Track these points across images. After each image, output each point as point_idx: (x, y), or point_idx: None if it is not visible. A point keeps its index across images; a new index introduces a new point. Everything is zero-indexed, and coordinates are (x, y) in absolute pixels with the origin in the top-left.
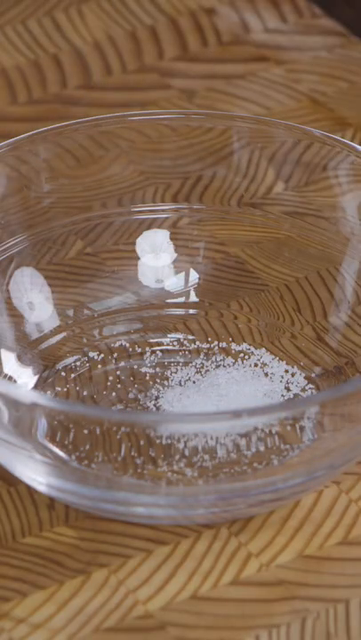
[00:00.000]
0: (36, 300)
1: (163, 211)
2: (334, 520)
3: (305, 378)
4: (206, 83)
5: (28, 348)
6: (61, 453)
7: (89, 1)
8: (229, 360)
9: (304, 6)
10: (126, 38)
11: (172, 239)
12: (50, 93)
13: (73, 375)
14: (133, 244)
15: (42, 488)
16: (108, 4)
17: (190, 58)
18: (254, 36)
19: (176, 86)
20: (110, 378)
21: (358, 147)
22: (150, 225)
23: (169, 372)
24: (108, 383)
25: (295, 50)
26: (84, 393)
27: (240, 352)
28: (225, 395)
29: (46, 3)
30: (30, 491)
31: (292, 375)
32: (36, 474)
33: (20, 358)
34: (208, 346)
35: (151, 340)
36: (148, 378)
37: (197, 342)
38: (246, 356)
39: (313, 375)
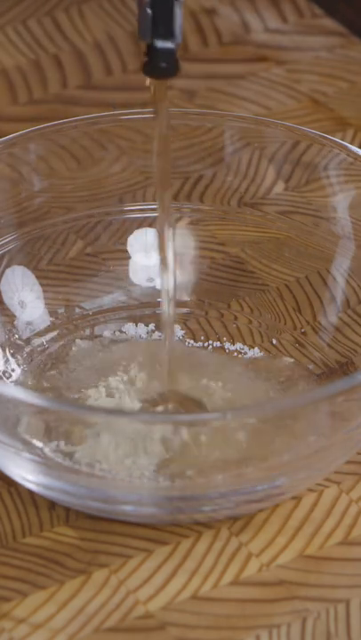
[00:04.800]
0: (28, 299)
1: None
2: (335, 520)
3: (303, 377)
4: (207, 83)
5: (20, 346)
6: (48, 451)
7: (89, 1)
8: None
9: (305, 6)
10: (127, 38)
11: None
12: (50, 93)
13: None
14: (131, 243)
15: (31, 486)
16: (108, 4)
17: (191, 58)
18: (255, 36)
19: (176, 86)
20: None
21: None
22: (151, 224)
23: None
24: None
25: (296, 50)
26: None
27: (234, 351)
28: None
29: (47, 3)
30: (31, 491)
31: (290, 375)
32: (25, 472)
33: (11, 356)
34: (201, 344)
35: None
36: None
37: (191, 341)
38: (242, 356)
39: (311, 375)
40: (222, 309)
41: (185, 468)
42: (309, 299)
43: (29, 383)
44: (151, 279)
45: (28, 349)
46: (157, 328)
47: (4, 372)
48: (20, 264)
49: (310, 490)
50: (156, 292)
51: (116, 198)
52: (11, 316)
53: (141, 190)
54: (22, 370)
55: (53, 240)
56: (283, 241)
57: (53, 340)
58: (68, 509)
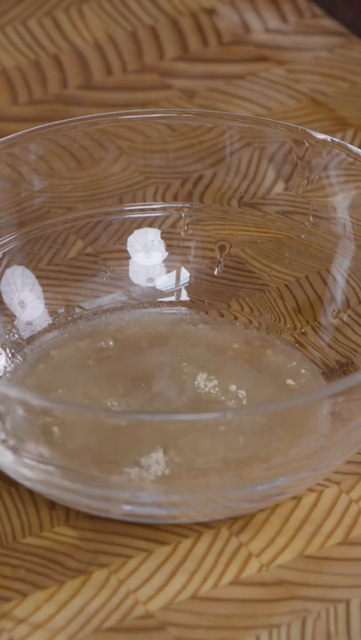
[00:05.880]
0: (28, 299)
1: (163, 209)
2: (335, 520)
3: (304, 377)
4: (207, 83)
5: (20, 346)
6: (48, 450)
7: (89, 1)
8: None
9: (305, 6)
10: (127, 38)
11: (172, 238)
12: (50, 93)
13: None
14: (131, 243)
15: (31, 486)
16: (108, 4)
17: (191, 58)
18: (255, 37)
19: (176, 86)
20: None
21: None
22: (151, 224)
23: None
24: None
25: (296, 50)
26: None
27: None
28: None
29: (47, 3)
30: (31, 491)
31: (291, 374)
32: (25, 471)
33: (11, 356)
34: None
35: None
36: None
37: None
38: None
39: (311, 375)
40: (222, 309)
41: (185, 468)
42: (309, 299)
43: (29, 383)
44: (151, 279)
45: (28, 349)
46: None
47: (4, 372)
48: (20, 264)
49: (310, 490)
50: (156, 292)
51: (116, 198)
52: (11, 316)
53: (141, 190)
54: (22, 369)
55: (53, 240)
56: (283, 241)
57: (53, 339)
58: (68, 509)
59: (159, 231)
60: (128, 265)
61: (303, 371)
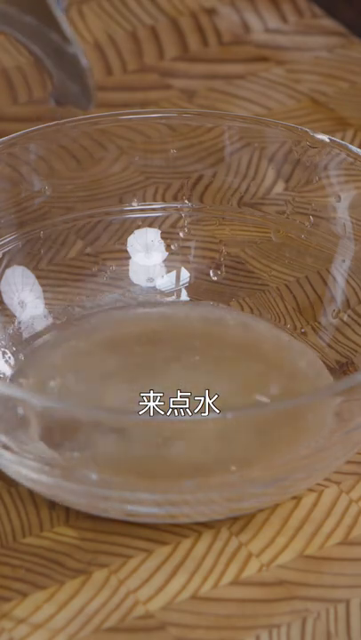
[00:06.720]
0: (28, 299)
1: (163, 209)
2: (335, 520)
3: (303, 377)
4: (207, 83)
5: (20, 346)
6: (48, 450)
7: (89, 1)
8: None
9: (305, 6)
10: (127, 38)
11: (172, 238)
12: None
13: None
14: (131, 243)
15: (31, 485)
16: (108, 5)
17: (191, 58)
18: (255, 37)
19: (176, 86)
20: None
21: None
22: (151, 224)
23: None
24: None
25: (296, 50)
26: None
27: None
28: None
29: None
30: (31, 491)
31: (291, 374)
32: (25, 471)
33: (12, 356)
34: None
35: None
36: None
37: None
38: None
39: (311, 375)
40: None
41: (185, 468)
42: (309, 299)
43: (28, 383)
44: (151, 279)
45: (28, 349)
46: None
47: (4, 372)
48: (20, 264)
49: (310, 490)
50: (156, 292)
51: (116, 198)
52: (11, 316)
53: (141, 190)
54: (21, 369)
55: (53, 240)
56: (283, 241)
57: (53, 339)
58: (68, 509)
59: (159, 231)
60: (128, 265)
61: (303, 371)
